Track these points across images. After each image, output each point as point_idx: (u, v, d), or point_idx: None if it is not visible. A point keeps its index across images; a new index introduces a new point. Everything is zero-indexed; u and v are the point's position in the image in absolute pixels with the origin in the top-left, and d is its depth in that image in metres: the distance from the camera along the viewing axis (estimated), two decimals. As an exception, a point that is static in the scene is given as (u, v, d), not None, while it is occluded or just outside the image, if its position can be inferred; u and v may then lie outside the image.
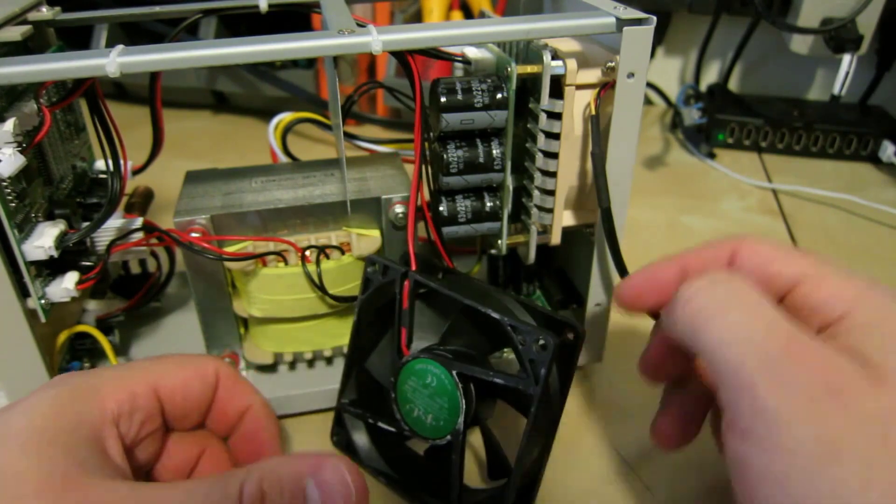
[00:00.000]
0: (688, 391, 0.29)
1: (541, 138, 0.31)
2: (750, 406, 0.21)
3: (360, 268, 0.33)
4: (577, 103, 0.31)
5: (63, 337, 0.35)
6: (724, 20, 0.69)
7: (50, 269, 0.32)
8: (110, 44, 0.33)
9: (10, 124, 0.27)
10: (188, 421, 0.29)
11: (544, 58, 0.30)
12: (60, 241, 0.31)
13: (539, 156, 0.32)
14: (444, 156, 0.32)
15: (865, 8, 0.58)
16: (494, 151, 0.32)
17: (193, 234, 0.32)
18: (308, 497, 0.23)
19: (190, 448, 0.29)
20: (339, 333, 0.37)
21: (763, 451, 0.21)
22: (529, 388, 0.26)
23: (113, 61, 0.26)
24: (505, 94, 0.31)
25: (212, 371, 0.29)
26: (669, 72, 0.79)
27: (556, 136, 0.31)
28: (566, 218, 0.34)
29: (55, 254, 0.30)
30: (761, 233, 0.56)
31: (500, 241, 0.35)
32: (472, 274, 0.40)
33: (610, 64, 0.30)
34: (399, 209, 0.34)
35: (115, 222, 0.34)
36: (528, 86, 0.32)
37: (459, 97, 0.31)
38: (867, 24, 0.59)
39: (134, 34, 0.67)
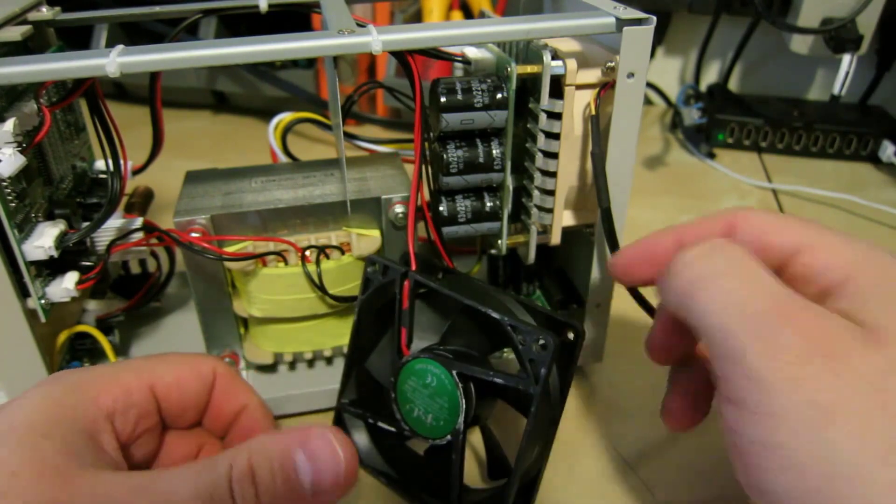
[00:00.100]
0: (694, 370, 0.29)
1: (541, 138, 0.31)
2: (742, 374, 0.21)
3: (360, 268, 0.33)
4: (577, 103, 0.31)
5: (63, 337, 0.35)
6: (724, 20, 0.69)
7: (50, 269, 0.32)
8: (110, 44, 0.33)
9: (10, 124, 0.27)
10: (185, 419, 0.28)
11: (544, 58, 0.30)
12: (60, 241, 0.31)
13: (539, 156, 0.32)
14: (444, 156, 0.32)
15: (865, 8, 0.58)
16: (494, 151, 0.32)
17: (193, 234, 0.32)
18: (298, 468, 0.23)
19: (187, 446, 0.29)
20: (339, 333, 0.37)
21: (756, 419, 0.21)
22: (529, 387, 0.26)
23: (113, 61, 0.26)
24: (505, 94, 0.31)
25: (209, 369, 0.29)
26: (669, 72, 0.79)
27: (556, 136, 0.31)
28: (566, 218, 0.34)
29: (55, 254, 0.30)
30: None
31: (500, 241, 0.35)
32: (472, 274, 0.40)
33: (610, 64, 0.30)
34: (399, 209, 0.34)
35: (115, 222, 0.34)
36: (528, 86, 0.32)
37: (459, 97, 0.31)
38: (867, 24, 0.59)
39: (134, 34, 0.67)
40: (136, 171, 0.39)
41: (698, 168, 0.67)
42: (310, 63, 0.70)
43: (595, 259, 0.35)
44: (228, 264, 0.33)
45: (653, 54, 0.44)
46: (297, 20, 0.43)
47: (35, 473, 0.21)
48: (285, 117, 0.42)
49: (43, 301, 0.31)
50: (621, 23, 0.29)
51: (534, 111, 0.32)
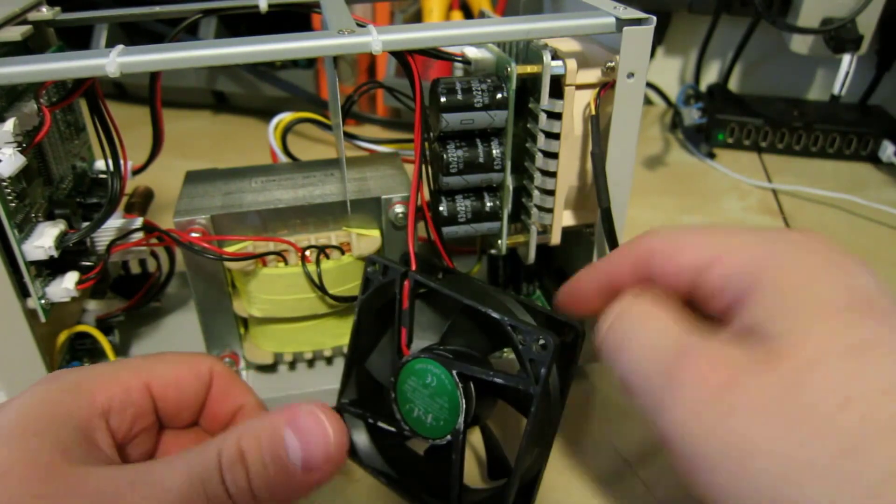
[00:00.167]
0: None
1: (541, 138, 0.31)
2: (663, 427, 0.22)
3: (360, 268, 0.33)
4: (577, 103, 0.31)
5: (63, 337, 0.35)
6: (724, 20, 0.69)
7: (50, 269, 0.32)
8: (110, 44, 0.33)
9: (10, 124, 0.27)
10: (182, 419, 0.28)
11: (544, 58, 0.30)
12: (60, 241, 0.31)
13: (539, 156, 0.32)
14: (444, 156, 0.32)
15: (865, 8, 0.58)
16: (494, 151, 0.32)
17: (193, 234, 0.32)
18: (287, 446, 0.23)
19: (183, 446, 0.28)
20: (339, 333, 0.37)
21: (689, 470, 0.21)
22: (529, 387, 0.26)
23: (113, 61, 0.26)
24: (505, 94, 0.31)
25: (206, 369, 0.29)
26: (669, 72, 0.79)
27: (556, 136, 0.31)
28: (566, 218, 0.34)
29: (55, 254, 0.30)
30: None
31: (500, 241, 0.35)
32: (472, 274, 0.40)
33: (610, 64, 0.30)
34: (399, 209, 0.34)
35: (115, 222, 0.34)
36: (528, 86, 0.32)
37: (459, 97, 0.31)
38: (867, 24, 0.59)
39: (134, 34, 0.67)
40: (136, 171, 0.39)
41: (698, 168, 0.67)
42: (310, 63, 0.70)
43: (595, 259, 0.35)
44: (228, 264, 0.33)
45: (653, 54, 0.44)
46: (297, 20, 0.43)
47: (25, 471, 0.21)
48: (285, 117, 0.42)
49: (43, 301, 0.31)
50: (621, 23, 0.29)
51: (534, 111, 0.32)
